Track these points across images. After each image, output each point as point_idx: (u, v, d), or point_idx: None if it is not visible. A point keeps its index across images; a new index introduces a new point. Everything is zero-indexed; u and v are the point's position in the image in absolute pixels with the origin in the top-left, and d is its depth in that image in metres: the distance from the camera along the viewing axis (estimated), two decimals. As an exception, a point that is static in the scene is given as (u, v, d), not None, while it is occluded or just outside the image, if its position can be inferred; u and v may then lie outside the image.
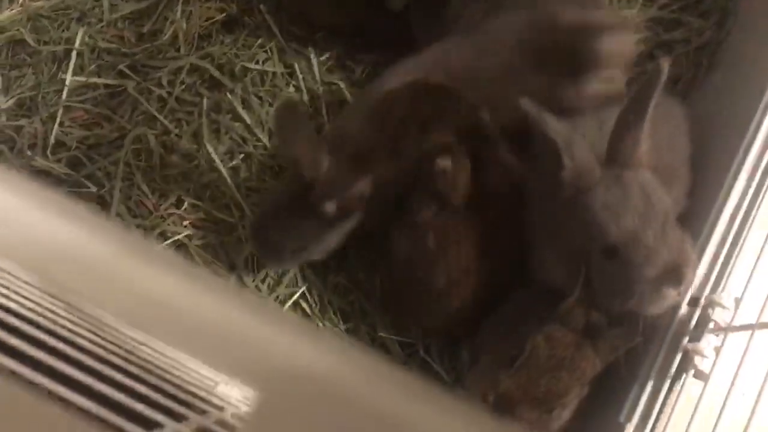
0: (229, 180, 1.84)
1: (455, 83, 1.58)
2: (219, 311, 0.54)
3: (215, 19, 1.97)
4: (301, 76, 1.90)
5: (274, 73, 1.90)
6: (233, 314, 0.54)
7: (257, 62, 1.91)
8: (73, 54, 1.93)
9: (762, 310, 1.17)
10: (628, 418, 1.42)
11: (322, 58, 1.94)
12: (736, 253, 1.43)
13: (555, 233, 1.45)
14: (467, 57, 1.64)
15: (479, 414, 0.53)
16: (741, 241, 1.40)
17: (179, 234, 1.81)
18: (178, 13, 1.97)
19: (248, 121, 1.86)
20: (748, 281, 1.27)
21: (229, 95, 1.88)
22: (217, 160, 1.84)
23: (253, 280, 1.76)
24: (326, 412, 0.51)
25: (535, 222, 1.53)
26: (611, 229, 1.29)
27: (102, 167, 1.84)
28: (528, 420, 1.33)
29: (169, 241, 1.80)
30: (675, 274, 1.28)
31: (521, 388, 1.31)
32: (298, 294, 1.73)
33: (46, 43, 1.95)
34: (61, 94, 1.90)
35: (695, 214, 1.54)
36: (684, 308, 1.42)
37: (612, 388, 1.44)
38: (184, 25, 1.94)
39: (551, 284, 1.48)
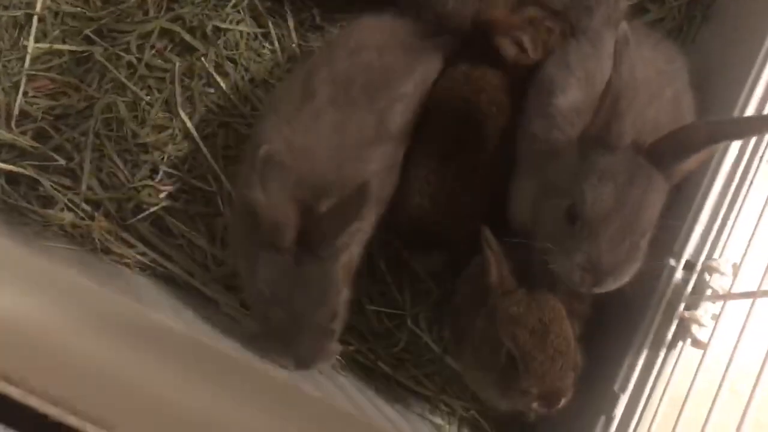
0: (204, 149, 1.76)
1: None
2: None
3: (186, -21, 1.86)
4: (276, 38, 1.81)
5: (248, 35, 1.80)
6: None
7: (230, 23, 1.82)
8: (35, 19, 1.81)
9: (763, 277, 1.13)
10: (623, 388, 1.39)
11: (298, 18, 1.85)
12: (733, 216, 1.39)
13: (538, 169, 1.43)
14: None
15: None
16: (738, 203, 1.36)
17: (155, 205, 1.73)
18: (146, -27, 1.86)
19: (223, 86, 1.77)
20: (748, 246, 1.22)
21: (202, 60, 1.79)
22: (192, 129, 1.76)
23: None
24: None
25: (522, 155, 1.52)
26: (586, 200, 1.23)
27: (70, 138, 1.75)
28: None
29: (144, 214, 1.73)
30: (593, 279, 1.24)
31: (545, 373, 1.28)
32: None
33: (5, 7, 1.83)
34: (24, 63, 1.80)
35: (690, 176, 1.49)
36: (679, 273, 1.38)
37: (607, 357, 1.40)
38: (153, -14, 1.84)
39: (521, 227, 1.46)
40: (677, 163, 1.25)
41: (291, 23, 1.82)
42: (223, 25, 1.81)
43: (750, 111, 1.47)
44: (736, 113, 1.48)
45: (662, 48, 1.56)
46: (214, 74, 1.78)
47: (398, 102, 1.52)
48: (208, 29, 1.79)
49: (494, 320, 1.34)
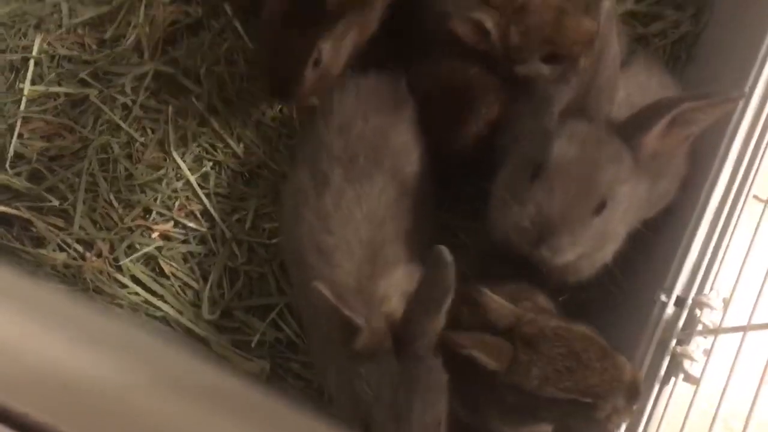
0: (198, 189, 1.77)
1: None
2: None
3: (180, 23, 1.89)
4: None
5: (240, 77, 1.83)
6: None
7: (223, 65, 1.85)
8: (31, 62, 1.84)
9: (753, 311, 1.13)
10: (617, 426, 1.37)
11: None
12: (722, 250, 1.39)
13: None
14: None
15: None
16: (727, 238, 1.36)
17: (148, 246, 1.74)
18: (141, 18, 1.89)
19: (216, 126, 1.79)
20: (737, 280, 1.23)
21: (195, 100, 1.81)
22: (185, 168, 1.78)
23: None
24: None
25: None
26: (552, 154, 1.27)
27: (64, 179, 1.77)
28: None
29: (138, 254, 1.73)
30: (538, 234, 1.24)
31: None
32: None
33: (2, 51, 1.86)
34: (20, 105, 1.82)
35: (680, 210, 1.50)
36: (670, 309, 1.38)
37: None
38: (148, 30, 1.87)
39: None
40: (641, 135, 1.28)
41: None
42: (217, 68, 1.84)
43: (735, 146, 1.49)
44: (722, 149, 1.50)
45: (658, 75, 1.59)
46: (207, 115, 1.80)
47: (403, 153, 1.54)
48: (202, 71, 1.82)
49: (524, 391, 1.24)
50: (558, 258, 1.27)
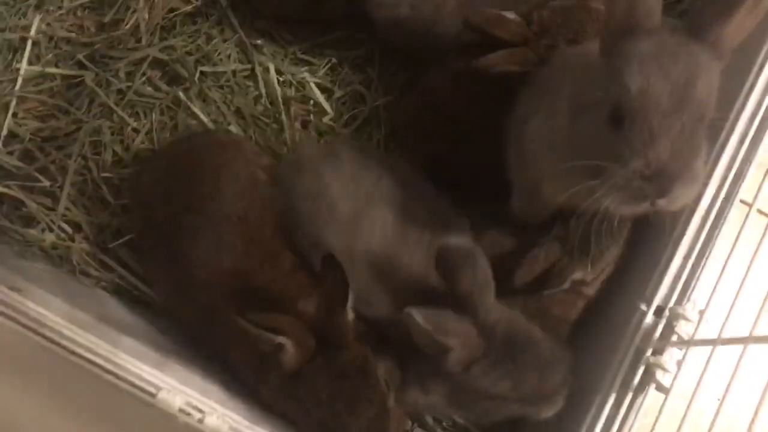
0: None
1: None
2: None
3: (179, 11, 1.90)
4: (260, 77, 1.85)
5: (234, 69, 1.84)
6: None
7: (218, 54, 1.85)
8: (29, 42, 1.85)
9: (723, 325, 1.13)
10: (590, 431, 1.38)
11: (287, 52, 1.88)
12: (703, 262, 1.39)
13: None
14: None
15: None
16: (709, 249, 1.36)
17: (135, 231, 1.74)
18: (141, 3, 1.89)
19: (203, 118, 1.79)
20: (712, 293, 1.22)
21: (182, 94, 1.81)
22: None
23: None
24: None
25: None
26: (631, 88, 1.05)
27: (56, 160, 1.78)
28: None
29: (125, 239, 1.74)
30: (659, 185, 1.05)
31: None
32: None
33: (1, 30, 1.87)
34: (15, 84, 1.83)
35: (666, 219, 1.50)
36: (649, 318, 1.38)
37: (573, 401, 1.39)
38: (146, 16, 1.87)
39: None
40: (720, 28, 1.08)
41: (271, 67, 1.86)
42: (213, 64, 1.85)
43: (727, 153, 1.47)
44: (713, 154, 1.49)
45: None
46: (196, 109, 1.80)
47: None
48: (196, 58, 1.83)
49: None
50: (682, 202, 1.12)
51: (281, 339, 1.27)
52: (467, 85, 1.60)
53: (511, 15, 1.53)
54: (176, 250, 1.45)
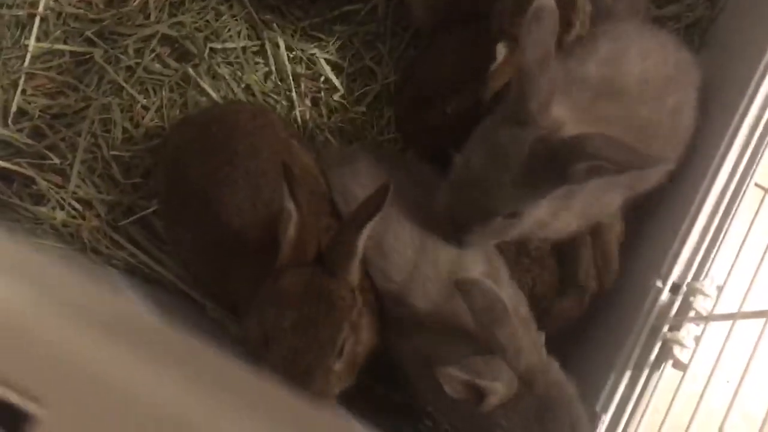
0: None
1: None
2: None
3: (188, -15, 1.87)
4: (270, 53, 1.83)
5: (244, 46, 1.82)
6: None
7: (228, 31, 1.83)
8: (37, 19, 1.83)
9: (744, 299, 1.12)
10: (605, 408, 1.37)
11: (297, 28, 1.86)
12: (720, 239, 1.38)
13: None
14: None
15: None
16: (725, 227, 1.35)
17: (146, 209, 1.73)
18: (150, -22, 1.87)
19: (213, 95, 1.78)
20: (731, 269, 1.21)
21: (192, 71, 1.79)
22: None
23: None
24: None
25: None
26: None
27: (66, 138, 1.76)
28: None
29: (135, 217, 1.73)
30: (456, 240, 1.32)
31: None
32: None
33: (9, 6, 1.85)
34: (24, 61, 1.81)
35: (680, 197, 1.48)
36: (665, 295, 1.37)
37: (588, 377, 1.39)
38: (155, -9, 1.85)
39: None
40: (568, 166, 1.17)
41: (281, 42, 1.84)
42: (222, 41, 1.83)
43: (742, 133, 1.47)
44: (727, 136, 1.48)
45: (677, 55, 1.52)
46: (206, 85, 1.79)
47: None
48: (205, 35, 1.81)
49: None
50: (467, 247, 1.33)
51: (290, 205, 1.24)
52: (456, 75, 1.59)
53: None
54: (213, 200, 1.44)
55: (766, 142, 1.44)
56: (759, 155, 1.43)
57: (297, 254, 1.27)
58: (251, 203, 1.43)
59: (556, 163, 1.16)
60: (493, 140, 1.23)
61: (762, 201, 1.37)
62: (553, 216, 1.33)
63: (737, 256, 1.21)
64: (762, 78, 1.52)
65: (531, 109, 1.18)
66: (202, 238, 1.50)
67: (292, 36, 1.86)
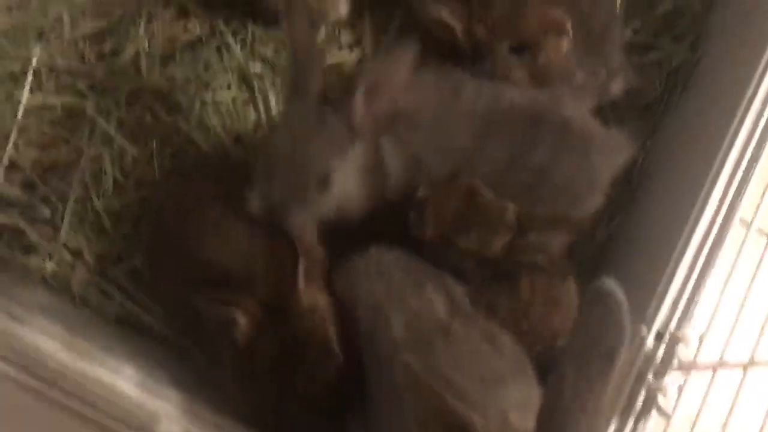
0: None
1: None
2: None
3: (179, 40, 1.91)
4: (261, 102, 1.86)
5: (234, 98, 1.85)
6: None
7: (218, 82, 1.86)
8: (30, 73, 1.86)
9: (724, 348, 1.12)
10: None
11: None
12: (704, 282, 1.38)
13: None
14: None
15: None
16: (708, 272, 1.35)
17: (135, 260, 1.75)
18: (141, 31, 1.91)
19: (203, 146, 1.80)
20: (712, 317, 1.22)
21: (182, 123, 1.82)
22: (175, 183, 1.79)
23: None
24: None
25: None
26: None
27: (57, 189, 1.79)
28: None
29: (123, 267, 1.74)
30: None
31: None
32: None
33: (2, 59, 1.88)
34: (16, 114, 1.84)
35: (662, 242, 1.49)
36: (650, 343, 1.37)
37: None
38: (146, 45, 1.89)
39: None
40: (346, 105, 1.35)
41: (272, 97, 1.87)
42: (213, 91, 1.86)
43: (726, 172, 1.48)
44: (711, 174, 1.49)
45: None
46: (196, 137, 1.82)
47: None
48: (196, 87, 1.84)
49: None
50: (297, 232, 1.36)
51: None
52: None
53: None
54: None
55: (748, 180, 1.46)
56: (739, 197, 1.44)
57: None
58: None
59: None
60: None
61: (745, 238, 1.37)
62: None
63: (718, 304, 1.22)
64: (742, 120, 1.54)
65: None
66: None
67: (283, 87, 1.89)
